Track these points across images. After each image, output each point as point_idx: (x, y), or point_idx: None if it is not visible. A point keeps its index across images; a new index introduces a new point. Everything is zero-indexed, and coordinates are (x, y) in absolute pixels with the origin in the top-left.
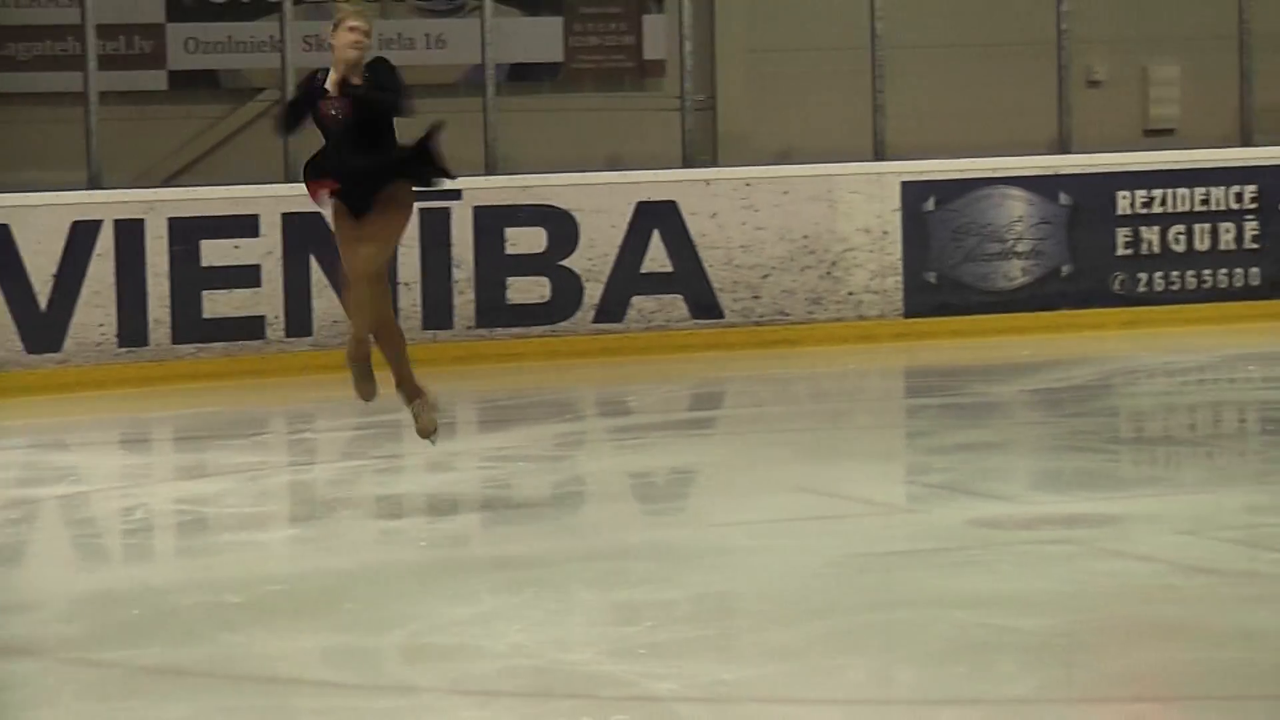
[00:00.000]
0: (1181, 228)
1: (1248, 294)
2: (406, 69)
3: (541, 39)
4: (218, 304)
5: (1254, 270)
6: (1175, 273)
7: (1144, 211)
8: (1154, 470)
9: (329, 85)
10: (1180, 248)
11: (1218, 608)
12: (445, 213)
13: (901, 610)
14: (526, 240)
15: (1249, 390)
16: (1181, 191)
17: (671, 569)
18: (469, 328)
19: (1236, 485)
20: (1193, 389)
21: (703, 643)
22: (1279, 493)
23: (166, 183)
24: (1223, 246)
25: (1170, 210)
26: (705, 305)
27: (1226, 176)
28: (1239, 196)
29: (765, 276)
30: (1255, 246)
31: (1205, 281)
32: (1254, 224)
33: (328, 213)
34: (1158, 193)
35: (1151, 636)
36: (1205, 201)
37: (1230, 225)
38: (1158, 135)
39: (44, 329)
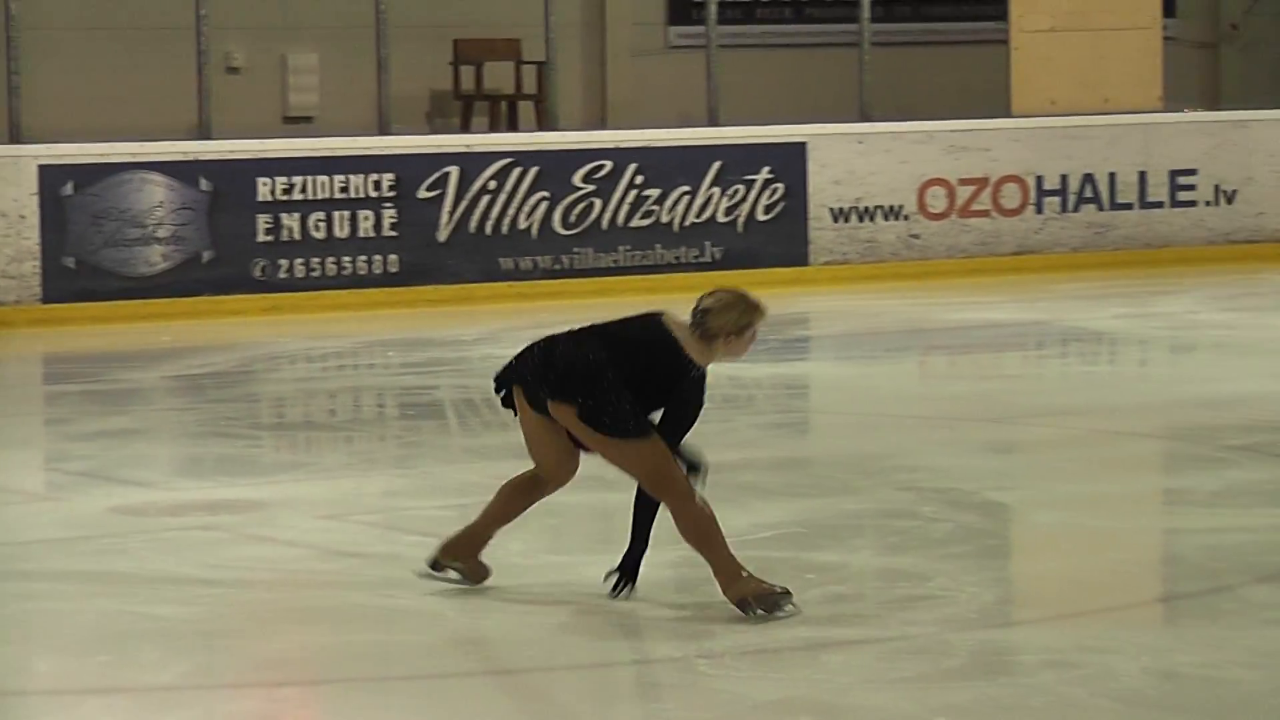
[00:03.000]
0: (322, 215)
1: (387, 280)
2: None
3: None
4: None
5: (393, 257)
6: (316, 259)
7: (284, 198)
8: (296, 455)
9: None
10: (320, 234)
11: (359, 591)
12: None
13: (42, 600)
14: None
15: (389, 376)
16: (321, 179)
17: None
18: None
19: (377, 469)
20: (334, 374)
21: None
22: (417, 477)
23: None
24: (362, 233)
25: (310, 197)
26: None
27: (365, 164)
28: (378, 184)
29: None
30: (394, 234)
31: (345, 268)
32: (393, 211)
33: None
34: (298, 180)
35: (295, 620)
36: (345, 189)
37: (369, 213)
38: (297, 123)
39: None
